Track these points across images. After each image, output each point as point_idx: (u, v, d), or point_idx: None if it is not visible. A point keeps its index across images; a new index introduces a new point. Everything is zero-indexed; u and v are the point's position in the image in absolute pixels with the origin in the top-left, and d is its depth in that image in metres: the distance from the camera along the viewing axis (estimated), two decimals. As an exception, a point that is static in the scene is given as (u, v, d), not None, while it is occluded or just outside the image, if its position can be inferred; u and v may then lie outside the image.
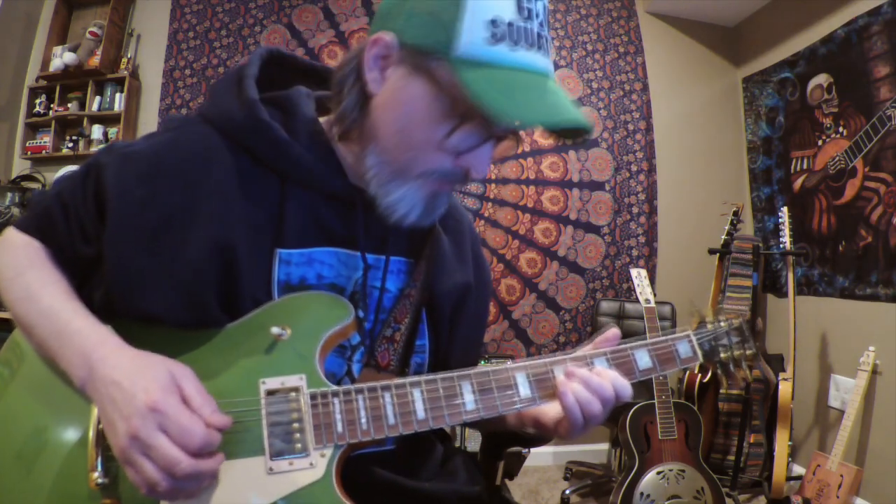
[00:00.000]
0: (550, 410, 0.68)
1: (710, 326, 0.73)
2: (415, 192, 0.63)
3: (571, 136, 0.64)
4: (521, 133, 0.67)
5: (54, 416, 0.59)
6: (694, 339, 0.70)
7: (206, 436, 0.51)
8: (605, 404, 0.61)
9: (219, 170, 0.63)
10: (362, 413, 0.59)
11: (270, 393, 0.58)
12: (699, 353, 0.70)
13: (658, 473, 1.93)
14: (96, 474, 0.54)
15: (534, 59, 0.57)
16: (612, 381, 0.62)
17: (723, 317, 0.74)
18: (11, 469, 0.58)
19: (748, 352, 0.72)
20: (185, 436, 0.50)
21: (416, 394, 0.60)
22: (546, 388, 0.63)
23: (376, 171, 0.64)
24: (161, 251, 0.60)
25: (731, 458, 2.42)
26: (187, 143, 0.65)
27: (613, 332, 0.67)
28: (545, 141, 2.91)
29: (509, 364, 0.64)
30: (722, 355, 0.71)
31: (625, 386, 0.62)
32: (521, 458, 1.42)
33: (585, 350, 0.67)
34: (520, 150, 2.88)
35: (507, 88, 0.55)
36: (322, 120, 0.71)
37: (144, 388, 0.51)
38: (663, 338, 0.69)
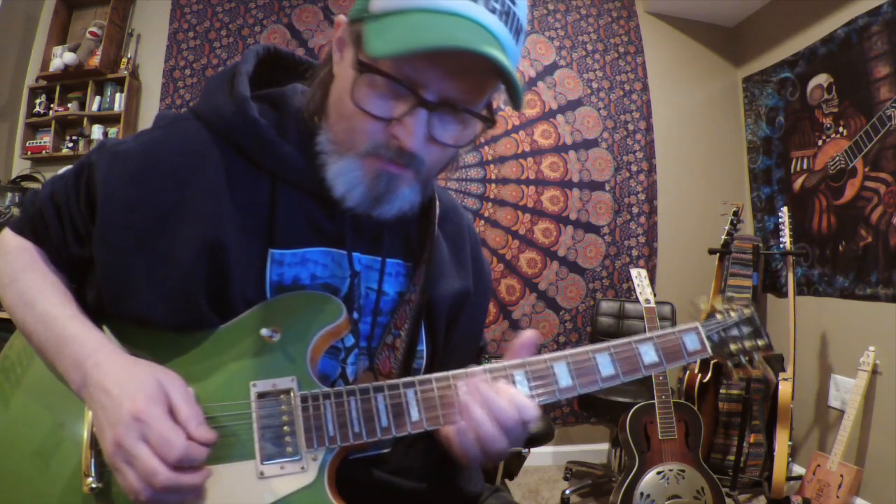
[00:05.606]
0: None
1: (719, 317, 0.68)
2: (353, 168, 0.60)
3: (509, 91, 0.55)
4: (494, 111, 0.62)
5: (60, 418, 0.59)
6: (702, 330, 0.66)
7: (186, 448, 0.50)
8: (506, 427, 0.56)
9: (209, 168, 0.62)
10: (354, 415, 0.57)
11: (261, 396, 0.57)
12: (707, 345, 0.66)
13: (658, 473, 1.92)
14: (90, 479, 0.54)
15: (441, 2, 0.53)
16: (510, 398, 0.57)
17: (733, 306, 0.70)
18: (24, 470, 0.58)
19: (760, 343, 0.68)
20: (165, 446, 0.49)
21: (410, 395, 0.59)
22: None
23: (322, 148, 0.63)
24: (150, 252, 0.59)
25: (731, 458, 2.42)
26: (177, 141, 0.64)
27: (529, 334, 0.62)
28: (545, 141, 2.92)
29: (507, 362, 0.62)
30: (732, 347, 0.67)
31: (526, 405, 0.57)
32: (521, 458, 1.42)
33: (506, 359, 0.62)
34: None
35: (390, 28, 0.53)
36: None
37: (131, 396, 0.51)
38: (669, 330, 0.65)
